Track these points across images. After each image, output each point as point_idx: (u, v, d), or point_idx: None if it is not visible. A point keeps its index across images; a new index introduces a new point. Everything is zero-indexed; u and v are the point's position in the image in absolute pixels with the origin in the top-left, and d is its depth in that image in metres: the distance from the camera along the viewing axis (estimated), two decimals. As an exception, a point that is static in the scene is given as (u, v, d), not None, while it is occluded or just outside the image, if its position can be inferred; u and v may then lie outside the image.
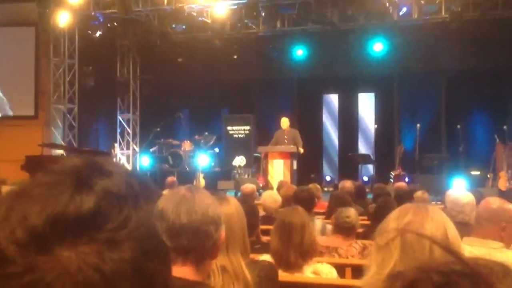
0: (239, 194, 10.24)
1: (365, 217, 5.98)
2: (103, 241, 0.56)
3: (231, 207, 2.41)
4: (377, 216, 5.12)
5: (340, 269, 3.70)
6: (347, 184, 7.67)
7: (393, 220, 1.70)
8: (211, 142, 14.67)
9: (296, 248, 3.12)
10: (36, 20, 13.94)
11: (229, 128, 15.23)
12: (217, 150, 14.91)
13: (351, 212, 4.48)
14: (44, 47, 14.38)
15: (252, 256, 2.72)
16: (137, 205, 0.61)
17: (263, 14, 12.95)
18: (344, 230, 4.37)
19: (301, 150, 11.80)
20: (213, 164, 14.55)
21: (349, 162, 14.45)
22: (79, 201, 0.57)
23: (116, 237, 0.57)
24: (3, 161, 13.17)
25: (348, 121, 15.90)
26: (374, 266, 1.68)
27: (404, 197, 5.92)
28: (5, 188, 6.84)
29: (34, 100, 14.46)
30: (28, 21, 14.08)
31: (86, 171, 0.61)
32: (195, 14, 13.46)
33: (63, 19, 13.59)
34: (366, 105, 15.92)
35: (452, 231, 1.68)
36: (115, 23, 14.06)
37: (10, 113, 14.45)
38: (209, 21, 13.64)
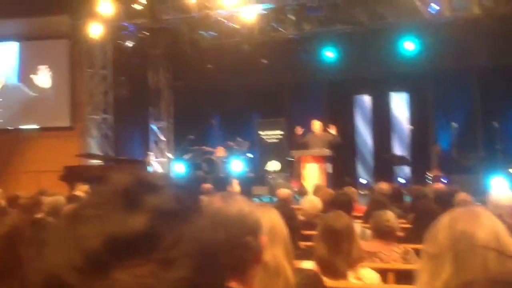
0: (274, 199, 10.25)
1: (404, 220, 5.90)
2: (157, 261, 0.56)
3: (274, 214, 2.39)
4: (418, 220, 5.06)
5: (382, 274, 3.66)
6: (384, 186, 7.56)
7: (444, 228, 1.67)
8: (244, 148, 14.69)
9: (344, 256, 3.08)
10: (70, 33, 14.25)
11: (261, 133, 15.24)
12: (250, 155, 14.93)
13: (390, 216, 4.41)
14: (78, 59, 14.66)
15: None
16: (187, 219, 0.61)
17: (291, 17, 12.94)
18: (384, 234, 4.31)
19: (333, 131, 11.70)
20: (247, 169, 14.58)
21: (384, 163, 14.27)
22: (132, 221, 0.57)
23: (170, 256, 0.57)
24: (42, 171, 13.48)
25: (382, 122, 15.70)
26: (425, 275, 1.66)
27: (444, 200, 5.81)
28: (46, 199, 6.98)
29: (70, 111, 14.75)
30: (61, 33, 14.38)
31: (134, 188, 0.61)
32: (223, 20, 13.53)
33: (95, 30, 13.83)
34: (400, 105, 15.73)
35: (505, 237, 1.65)
36: (146, 33, 14.25)
37: (50, 123, 14.66)
38: (237, 26, 13.70)
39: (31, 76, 14.85)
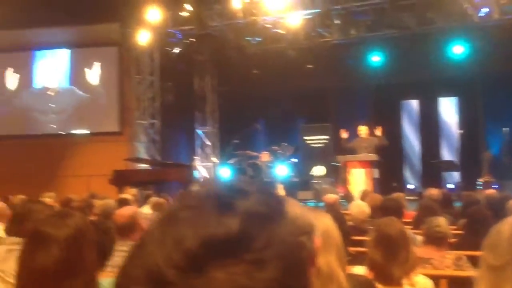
0: (319, 204, 10.21)
1: (454, 226, 5.79)
2: (250, 261, 0.58)
3: (327, 220, 2.39)
4: (470, 226, 4.95)
5: (435, 280, 3.60)
6: (434, 192, 7.43)
7: (507, 239, 1.63)
8: (289, 153, 14.69)
9: (400, 263, 3.04)
10: (119, 40, 14.60)
11: (306, 137, 15.21)
12: (295, 160, 14.92)
13: (442, 221, 4.34)
14: (127, 65, 15.00)
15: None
16: (275, 222, 0.64)
17: (337, 22, 12.89)
18: (436, 240, 4.24)
19: (379, 133, 11.56)
20: (291, 174, 14.57)
21: (432, 169, 14.01)
22: (226, 223, 0.60)
23: (262, 257, 0.59)
24: (92, 175, 13.83)
25: (430, 127, 15.45)
26: (485, 287, 1.63)
27: (496, 206, 5.67)
28: (97, 202, 7.16)
29: (119, 116, 15.09)
30: (111, 41, 14.75)
31: (227, 193, 0.64)
32: (269, 25, 13.59)
33: (144, 37, 14.13)
34: (448, 109, 15.43)
35: None
36: (192, 39, 14.46)
37: (100, 128, 15.05)
38: (283, 32, 13.74)
39: (85, 70, 15.21)
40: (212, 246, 0.58)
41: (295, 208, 1.71)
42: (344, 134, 12.09)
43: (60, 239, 1.91)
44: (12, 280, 2.86)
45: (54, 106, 15.48)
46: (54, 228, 1.94)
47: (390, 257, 3.03)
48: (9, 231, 3.21)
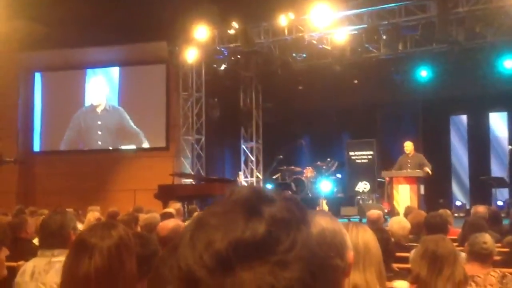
0: (363, 220, 10.07)
1: (499, 244, 5.60)
2: (275, 262, 0.62)
3: (366, 231, 2.37)
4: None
5: (478, 299, 3.50)
6: (481, 209, 7.22)
7: None
8: (333, 168, 14.59)
9: (446, 281, 2.99)
10: (167, 58, 14.93)
11: (351, 153, 15.07)
12: (339, 176, 14.80)
13: (488, 238, 4.21)
14: (174, 82, 15.30)
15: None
16: (299, 228, 0.67)
17: (384, 37, 12.78)
18: (481, 257, 4.12)
19: (430, 172, 11.23)
20: (335, 190, 14.45)
21: (481, 186, 13.63)
22: (253, 227, 0.64)
23: (286, 259, 0.63)
24: (138, 190, 14.09)
25: (479, 143, 15.08)
26: None
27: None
28: (142, 216, 7.27)
29: (165, 132, 15.37)
30: (159, 59, 15.10)
31: (254, 200, 0.68)
32: (315, 42, 13.62)
33: (191, 55, 14.40)
34: (498, 125, 15.02)
35: None
36: (238, 56, 14.63)
37: (146, 144, 15.46)
38: (329, 48, 13.73)
39: (133, 87, 15.65)
40: (239, 248, 0.62)
41: (326, 225, 1.70)
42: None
43: (103, 249, 1.98)
44: (53, 292, 2.95)
45: (101, 123, 15.91)
46: (98, 238, 2.02)
47: (436, 272, 2.98)
48: (42, 244, 3.30)
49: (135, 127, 15.58)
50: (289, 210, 0.68)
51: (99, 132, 15.96)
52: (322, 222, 1.63)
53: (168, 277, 0.63)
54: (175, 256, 0.64)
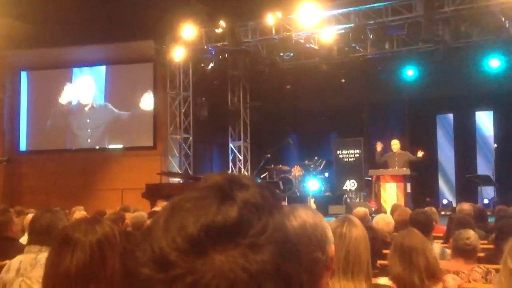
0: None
1: (486, 241, 5.66)
2: (247, 245, 0.63)
3: (359, 230, 2.38)
4: (499, 240, 4.83)
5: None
6: (466, 206, 7.28)
7: None
8: (321, 167, 14.64)
9: (420, 271, 3.02)
10: (154, 56, 14.88)
11: (338, 152, 15.14)
12: (327, 174, 14.86)
13: (471, 234, 4.26)
14: (161, 81, 15.26)
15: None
16: (272, 212, 0.69)
17: (371, 36, 12.84)
18: (465, 252, 4.16)
19: (420, 154, 11.42)
20: (323, 188, 14.51)
21: (467, 184, 13.76)
22: (225, 211, 0.65)
23: (258, 242, 0.64)
24: (126, 189, 14.04)
25: (465, 141, 15.22)
26: None
27: (529, 220, 5.51)
28: (129, 215, 7.25)
29: (153, 131, 15.32)
30: (146, 57, 15.05)
31: (227, 185, 0.69)
32: (302, 41, 13.65)
33: (178, 54, 14.38)
34: (484, 123, 15.16)
35: None
36: (226, 55, 14.62)
37: (129, 143, 15.38)
38: (316, 47, 13.77)
39: (120, 86, 15.60)
40: (211, 231, 0.63)
41: (306, 219, 1.71)
42: (379, 146, 11.98)
43: (86, 244, 1.98)
44: (38, 286, 2.94)
45: (89, 121, 15.84)
46: (82, 233, 2.01)
47: (407, 265, 3.02)
48: (31, 241, 3.30)
49: (119, 124, 15.49)
50: (262, 195, 0.69)
51: (89, 130, 15.88)
52: (303, 215, 1.63)
53: (141, 260, 0.64)
54: (148, 239, 0.65)
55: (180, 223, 0.65)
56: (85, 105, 15.94)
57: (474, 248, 4.16)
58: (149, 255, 0.64)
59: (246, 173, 16.37)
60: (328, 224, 1.70)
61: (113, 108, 15.65)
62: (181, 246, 0.62)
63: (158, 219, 0.68)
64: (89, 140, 15.87)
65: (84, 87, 15.98)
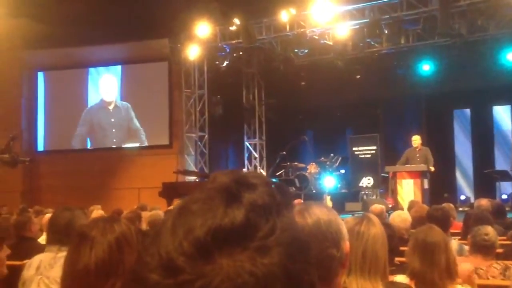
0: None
1: (504, 237, 5.60)
2: (254, 248, 0.63)
3: (377, 228, 2.37)
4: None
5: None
6: (483, 202, 7.20)
7: None
8: (337, 164, 14.59)
9: (441, 268, 2.99)
10: (169, 55, 14.93)
11: (354, 148, 15.06)
12: (343, 171, 14.79)
13: (490, 230, 4.21)
14: (176, 79, 15.31)
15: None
16: (280, 213, 0.68)
17: (386, 31, 12.75)
18: (483, 249, 4.12)
19: (432, 169, 11.32)
20: (339, 185, 14.45)
21: (485, 179, 13.60)
22: (232, 214, 0.64)
23: (266, 244, 0.63)
24: (143, 188, 14.13)
25: (483, 136, 15.07)
26: None
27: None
28: (145, 214, 7.30)
29: (168, 130, 15.38)
30: (161, 56, 15.10)
31: (234, 186, 0.68)
32: (317, 37, 13.60)
33: (193, 52, 14.42)
34: (502, 118, 14.99)
35: None
36: (240, 52, 14.62)
37: (146, 142, 15.51)
38: (331, 43, 13.72)
39: (136, 85, 15.68)
40: (218, 235, 0.63)
41: (321, 216, 1.71)
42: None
43: (104, 242, 2.00)
44: (56, 286, 2.96)
45: (113, 120, 15.95)
46: (100, 231, 2.04)
47: (429, 263, 2.99)
48: (50, 240, 3.32)
49: (138, 124, 15.61)
50: (270, 195, 0.68)
51: (113, 130, 15.99)
52: (317, 212, 1.64)
53: (150, 265, 0.64)
54: (156, 243, 0.65)
55: (187, 226, 0.64)
56: (109, 104, 16.05)
57: (493, 245, 4.12)
58: (157, 260, 0.63)
59: (261, 171, 16.38)
60: (342, 221, 1.70)
61: (131, 107, 15.74)
62: (188, 250, 0.62)
63: (166, 222, 0.67)
64: (114, 140, 15.97)
65: (108, 86, 16.08)
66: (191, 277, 0.61)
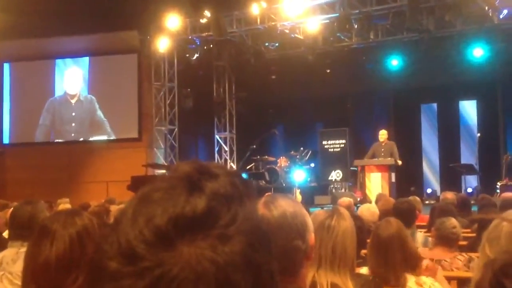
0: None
1: (469, 230, 5.72)
2: (216, 236, 0.62)
3: (347, 223, 2.39)
4: (482, 228, 4.88)
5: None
6: (449, 195, 7.34)
7: (506, 234, 1.63)
8: (307, 157, 14.68)
9: (396, 266, 3.02)
10: (138, 47, 14.76)
11: (324, 142, 15.17)
12: (312, 165, 14.89)
13: (454, 222, 4.28)
14: (146, 72, 15.15)
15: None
16: (242, 203, 0.68)
17: (355, 26, 12.85)
18: (448, 241, 4.18)
19: (400, 162, 11.52)
20: (309, 179, 14.54)
21: (451, 173, 13.88)
22: (193, 203, 0.64)
23: (227, 232, 0.63)
24: (111, 181, 13.97)
25: (449, 131, 15.36)
26: None
27: (509, 208, 5.56)
28: (113, 208, 7.23)
29: (138, 123, 15.23)
30: (130, 48, 14.92)
31: (197, 175, 0.68)
32: (287, 31, 13.62)
33: (162, 44, 14.28)
34: (468, 113, 15.30)
35: None
36: (211, 45, 14.55)
37: (112, 134, 15.32)
38: (301, 37, 13.75)
39: (104, 77, 15.46)
40: (179, 223, 0.63)
41: (286, 208, 1.72)
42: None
43: (65, 235, 1.98)
44: (19, 281, 2.92)
45: (74, 114, 15.71)
46: (61, 225, 2.01)
47: (383, 258, 3.02)
48: (12, 235, 3.25)
49: (102, 116, 15.40)
50: (232, 184, 0.69)
51: (73, 124, 15.75)
52: (283, 204, 1.65)
53: (109, 253, 0.63)
54: (116, 232, 0.64)
55: (148, 215, 0.64)
56: (72, 98, 15.79)
57: (456, 236, 4.19)
58: (116, 248, 0.63)
59: (231, 164, 16.39)
60: (307, 213, 1.71)
61: (98, 100, 15.52)
62: (148, 238, 0.62)
63: (126, 210, 0.67)
64: (73, 135, 15.75)
65: (72, 79, 15.82)
66: (151, 264, 0.60)
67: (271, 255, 0.69)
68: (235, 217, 0.65)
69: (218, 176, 0.69)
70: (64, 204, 7.68)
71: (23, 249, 3.05)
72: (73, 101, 15.76)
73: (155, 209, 0.64)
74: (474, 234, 5.30)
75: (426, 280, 3.22)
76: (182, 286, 0.59)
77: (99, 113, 15.45)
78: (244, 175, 13.37)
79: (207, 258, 0.61)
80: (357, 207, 8.18)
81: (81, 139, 15.66)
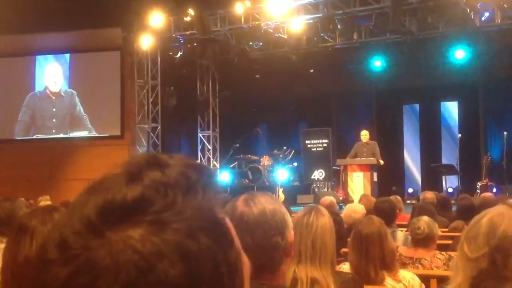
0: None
1: (447, 229, 5.79)
2: (148, 223, 0.61)
3: (326, 219, 2.40)
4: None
5: (425, 280, 3.61)
6: (429, 195, 7.42)
7: (485, 234, 1.65)
8: (290, 157, 14.72)
9: (375, 262, 3.05)
10: (121, 45, 14.65)
11: (307, 142, 15.22)
12: (295, 164, 14.94)
13: (422, 222, 4.28)
14: (129, 69, 15.04)
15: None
16: (189, 192, 0.65)
17: (339, 26, 12.91)
18: (419, 241, 4.22)
19: (382, 162, 11.62)
20: (292, 178, 14.58)
21: (432, 173, 14.03)
22: (125, 191, 0.63)
23: (160, 219, 0.61)
24: (92, 179, 13.76)
25: (431, 131, 15.53)
26: (461, 276, 1.64)
27: (488, 207, 5.64)
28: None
29: (120, 120, 15.12)
30: (113, 45, 14.80)
31: (142, 165, 0.66)
32: (271, 30, 13.64)
33: (146, 42, 14.20)
34: (449, 114, 15.46)
35: None
36: (195, 44, 14.50)
37: (93, 130, 15.19)
38: (285, 36, 13.78)
39: (86, 75, 15.32)
40: (107, 211, 0.62)
41: (266, 206, 1.73)
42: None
43: (45, 232, 1.96)
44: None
45: (55, 109, 15.55)
46: (39, 221, 1.99)
47: (363, 255, 3.06)
48: None
49: (82, 111, 15.25)
50: (181, 174, 0.66)
51: (54, 120, 15.58)
52: (262, 201, 1.66)
53: (47, 247, 0.63)
54: (55, 227, 0.64)
55: (82, 206, 0.63)
56: (53, 94, 15.62)
57: (428, 235, 4.18)
58: (52, 240, 0.63)
59: (214, 163, 16.37)
60: (286, 210, 1.72)
61: (80, 97, 15.38)
62: (77, 228, 0.62)
63: (71, 205, 0.66)
64: (54, 131, 15.58)
65: (53, 76, 15.63)
66: (77, 252, 0.60)
67: (228, 247, 0.66)
68: (172, 204, 0.63)
69: (167, 165, 0.66)
70: (45, 202, 7.61)
71: (2, 246, 3.02)
72: (54, 97, 15.59)
73: (89, 200, 0.64)
74: (452, 234, 5.37)
75: (405, 274, 3.26)
76: (104, 273, 0.59)
77: (79, 108, 15.29)
78: (226, 173, 13.33)
79: (130, 247, 0.60)
80: (340, 206, 8.25)
81: (61, 134, 15.49)
